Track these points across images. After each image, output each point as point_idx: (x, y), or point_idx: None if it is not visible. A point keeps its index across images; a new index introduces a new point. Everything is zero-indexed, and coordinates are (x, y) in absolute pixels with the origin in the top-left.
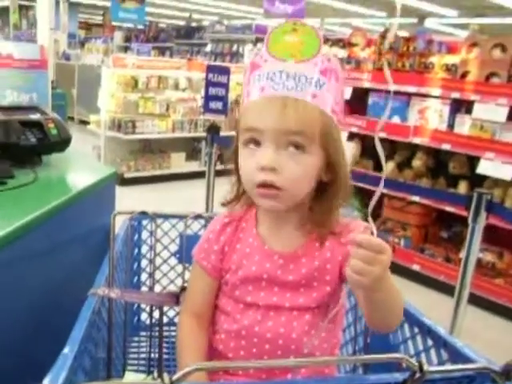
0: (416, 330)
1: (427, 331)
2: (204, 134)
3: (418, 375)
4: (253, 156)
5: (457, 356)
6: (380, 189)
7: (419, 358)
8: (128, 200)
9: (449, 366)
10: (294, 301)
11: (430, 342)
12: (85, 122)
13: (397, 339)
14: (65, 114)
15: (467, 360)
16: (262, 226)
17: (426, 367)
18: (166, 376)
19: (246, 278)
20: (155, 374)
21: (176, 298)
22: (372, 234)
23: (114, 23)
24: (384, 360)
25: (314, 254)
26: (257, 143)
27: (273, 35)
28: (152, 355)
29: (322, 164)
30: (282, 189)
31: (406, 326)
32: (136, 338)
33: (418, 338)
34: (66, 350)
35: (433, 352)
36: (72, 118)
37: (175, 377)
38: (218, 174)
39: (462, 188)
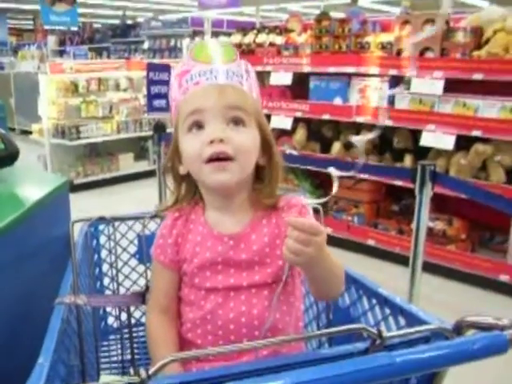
0: (374, 301)
1: (384, 301)
2: (150, 133)
3: (378, 342)
4: (197, 137)
5: (413, 320)
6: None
7: (379, 327)
8: (81, 206)
9: (405, 330)
10: (250, 279)
11: (387, 311)
12: (26, 132)
13: (357, 312)
14: (5, 125)
15: (423, 323)
16: (210, 213)
17: (384, 334)
18: (142, 371)
19: (202, 265)
20: (131, 372)
21: (142, 297)
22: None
23: (46, 27)
24: (345, 332)
25: (262, 230)
26: (199, 127)
27: (196, 48)
28: (124, 357)
29: (259, 142)
30: (233, 158)
31: (365, 299)
32: (105, 343)
33: (377, 309)
34: (40, 360)
35: (391, 320)
36: (13, 129)
37: (151, 370)
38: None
39: (408, 161)
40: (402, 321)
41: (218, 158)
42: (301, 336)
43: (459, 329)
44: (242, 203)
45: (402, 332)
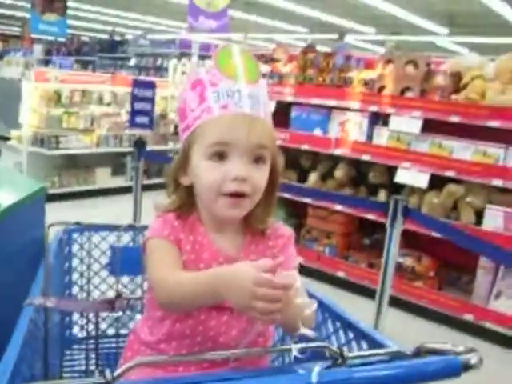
0: (338, 324)
1: (348, 325)
2: (129, 149)
3: (339, 361)
4: (219, 168)
5: (375, 346)
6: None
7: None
8: (54, 216)
9: (366, 352)
10: None
11: (351, 335)
12: (4, 138)
13: (321, 335)
14: None
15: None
16: (208, 227)
17: (345, 353)
18: (107, 373)
19: None
20: (96, 374)
21: (111, 305)
22: None
23: (33, 35)
24: (307, 349)
25: (252, 257)
26: (221, 157)
27: (220, 56)
28: (89, 367)
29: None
30: (249, 196)
31: (329, 322)
32: (68, 352)
33: (341, 333)
34: (5, 358)
35: (354, 345)
36: None
37: (116, 373)
38: (145, 188)
39: (382, 196)
40: (365, 346)
41: (235, 194)
42: (262, 350)
43: (418, 353)
44: (237, 226)
45: (362, 353)
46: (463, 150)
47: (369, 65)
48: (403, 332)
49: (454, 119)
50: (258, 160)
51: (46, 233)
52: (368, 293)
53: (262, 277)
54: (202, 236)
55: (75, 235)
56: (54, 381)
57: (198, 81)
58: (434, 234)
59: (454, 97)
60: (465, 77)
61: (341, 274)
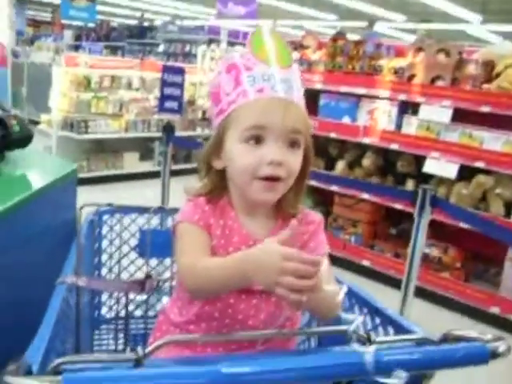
0: (365, 310)
1: (375, 311)
2: (157, 134)
3: (366, 345)
4: (254, 152)
5: (402, 332)
6: None
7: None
8: (83, 200)
9: (393, 337)
10: None
11: (377, 321)
12: (35, 122)
13: (347, 320)
14: None
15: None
16: (239, 211)
17: (373, 338)
18: (139, 349)
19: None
20: (127, 350)
21: (142, 285)
22: None
23: (63, 21)
24: (334, 332)
25: None
26: (258, 140)
27: (254, 41)
28: (118, 347)
29: None
30: (283, 181)
31: (356, 308)
32: (97, 331)
33: (367, 318)
34: (39, 334)
35: (381, 330)
36: None
37: (148, 349)
38: (172, 173)
39: (410, 186)
40: (392, 331)
41: (270, 178)
42: (290, 332)
43: (445, 340)
44: (268, 210)
45: (390, 338)
46: (494, 141)
47: (399, 53)
48: (428, 322)
49: (485, 109)
50: (293, 144)
51: (79, 214)
52: (393, 282)
53: (290, 251)
54: (233, 220)
55: (105, 217)
56: (88, 354)
57: (233, 65)
58: (461, 225)
59: (486, 86)
60: (498, 66)
61: (366, 263)
